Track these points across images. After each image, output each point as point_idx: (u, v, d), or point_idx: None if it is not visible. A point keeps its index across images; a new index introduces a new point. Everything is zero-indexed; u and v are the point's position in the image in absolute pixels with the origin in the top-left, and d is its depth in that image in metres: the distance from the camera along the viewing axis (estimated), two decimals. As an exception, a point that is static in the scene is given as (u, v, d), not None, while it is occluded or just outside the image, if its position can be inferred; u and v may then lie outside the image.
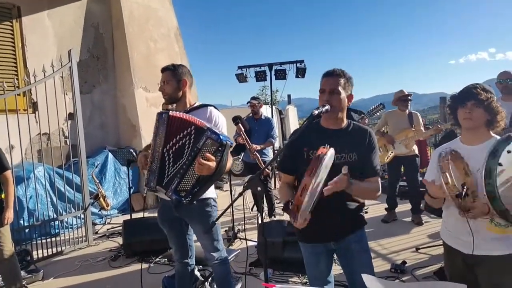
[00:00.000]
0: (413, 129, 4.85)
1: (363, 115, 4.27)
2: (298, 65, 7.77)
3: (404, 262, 3.69)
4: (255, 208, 6.08)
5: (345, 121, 2.05)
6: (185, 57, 8.06)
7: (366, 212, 5.70)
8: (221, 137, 2.15)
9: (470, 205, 1.71)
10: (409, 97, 4.99)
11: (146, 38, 7.31)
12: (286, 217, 4.18)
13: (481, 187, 1.65)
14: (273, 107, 10.64)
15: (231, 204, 2.00)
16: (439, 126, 4.75)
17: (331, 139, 1.97)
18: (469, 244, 1.84)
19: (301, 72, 7.84)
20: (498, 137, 1.87)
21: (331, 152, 1.73)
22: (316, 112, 1.84)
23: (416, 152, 5.05)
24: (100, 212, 5.81)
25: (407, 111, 4.99)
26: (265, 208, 5.62)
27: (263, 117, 5.52)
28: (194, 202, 2.27)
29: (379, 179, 2.07)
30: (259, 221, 4.86)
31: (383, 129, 5.27)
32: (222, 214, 2.01)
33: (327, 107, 1.89)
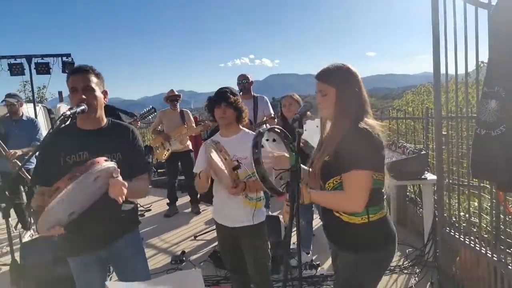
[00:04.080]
0: (185, 126, 5.19)
1: (135, 117, 4.24)
2: (65, 59, 6.96)
3: (183, 252, 3.92)
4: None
5: (105, 120, 1.95)
6: None
7: (150, 210, 5.75)
8: None
9: (237, 181, 2.03)
10: (177, 98, 5.32)
11: None
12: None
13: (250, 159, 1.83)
14: (40, 105, 9.18)
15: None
16: (206, 122, 5.25)
17: (90, 141, 1.86)
18: (231, 219, 2.28)
19: (68, 67, 7.05)
20: (246, 129, 2.41)
21: (107, 164, 1.56)
22: (69, 112, 1.69)
23: (190, 147, 5.44)
24: None
25: (178, 109, 5.30)
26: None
27: (24, 117, 4.71)
28: None
29: (147, 176, 2.06)
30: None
31: (159, 127, 5.40)
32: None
33: (83, 107, 1.76)
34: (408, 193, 4.48)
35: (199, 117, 7.93)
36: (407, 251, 3.63)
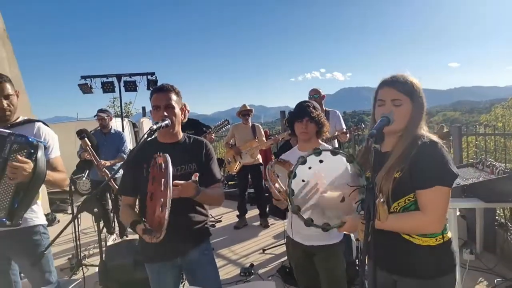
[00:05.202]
0: (256, 140, 5.30)
1: (210, 130, 4.45)
2: (149, 77, 7.56)
3: (252, 265, 3.96)
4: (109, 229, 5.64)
5: (181, 134, 2.09)
6: (14, 62, 6.95)
7: (220, 221, 5.92)
8: (29, 138, 1.96)
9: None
10: (250, 112, 5.45)
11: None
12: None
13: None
14: (126, 120, 10.05)
15: (62, 231, 1.80)
16: (276, 136, 5.30)
17: (169, 153, 1.99)
18: (307, 237, 2.21)
19: (152, 84, 7.64)
20: (325, 144, 2.37)
21: (168, 158, 1.73)
22: (155, 127, 1.84)
23: (260, 160, 5.53)
24: None
25: (250, 123, 5.43)
26: (117, 229, 5.30)
27: (112, 130, 5.19)
28: (20, 222, 2.00)
29: (221, 185, 2.14)
30: (107, 244, 4.54)
31: (231, 141, 5.58)
32: (52, 243, 1.84)
33: (167, 121, 1.90)
34: (497, 217, 4.04)
35: (269, 131, 8.04)
36: (495, 281, 3.26)
